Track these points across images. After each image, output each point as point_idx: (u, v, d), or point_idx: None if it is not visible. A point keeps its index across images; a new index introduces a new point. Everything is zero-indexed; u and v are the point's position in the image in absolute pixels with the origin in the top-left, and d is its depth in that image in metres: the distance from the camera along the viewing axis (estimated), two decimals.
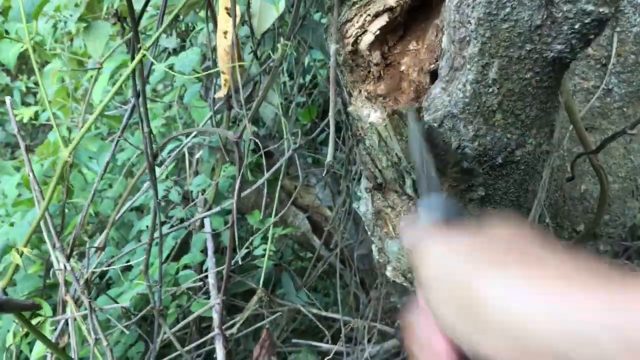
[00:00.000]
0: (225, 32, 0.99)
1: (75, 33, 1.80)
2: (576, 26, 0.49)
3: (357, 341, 1.51)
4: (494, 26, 0.51)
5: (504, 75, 0.53)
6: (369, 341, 1.50)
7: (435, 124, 0.58)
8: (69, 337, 0.93)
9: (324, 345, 1.55)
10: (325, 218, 1.86)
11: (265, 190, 1.21)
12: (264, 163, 1.47)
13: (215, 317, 1.05)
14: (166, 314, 1.22)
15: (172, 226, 1.55)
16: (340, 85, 0.73)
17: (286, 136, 1.43)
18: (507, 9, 0.50)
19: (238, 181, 0.77)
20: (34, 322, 1.05)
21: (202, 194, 1.56)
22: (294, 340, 1.59)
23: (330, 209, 1.84)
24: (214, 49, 1.26)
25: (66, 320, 0.93)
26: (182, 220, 1.53)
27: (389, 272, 0.80)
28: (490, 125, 0.56)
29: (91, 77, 1.69)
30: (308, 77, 2.07)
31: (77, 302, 0.93)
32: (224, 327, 1.04)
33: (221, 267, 1.08)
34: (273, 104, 1.85)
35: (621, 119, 0.92)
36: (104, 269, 0.91)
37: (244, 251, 1.40)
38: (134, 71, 0.73)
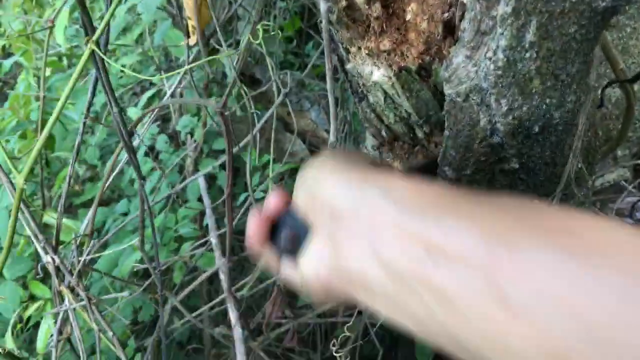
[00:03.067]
0: None
1: None
2: None
3: None
4: None
5: (544, 34, 0.43)
6: None
7: (460, 99, 0.48)
8: (71, 327, 0.88)
9: None
10: (323, 141, 1.77)
11: (257, 129, 1.11)
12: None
13: (223, 279, 1.00)
14: (171, 276, 1.17)
15: (163, 172, 1.47)
16: (335, 41, 0.61)
17: (271, 65, 1.31)
18: None
19: (228, 157, 0.68)
20: (32, 308, 1.00)
21: (190, 135, 1.46)
22: None
23: (327, 131, 1.73)
24: None
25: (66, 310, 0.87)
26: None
27: None
28: (526, 95, 0.46)
29: (53, 10, 1.53)
30: None
31: (74, 291, 0.87)
32: (233, 288, 0.99)
33: (222, 230, 1.01)
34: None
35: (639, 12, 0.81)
36: (95, 255, 0.84)
37: (242, 196, 1.33)
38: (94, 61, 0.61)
